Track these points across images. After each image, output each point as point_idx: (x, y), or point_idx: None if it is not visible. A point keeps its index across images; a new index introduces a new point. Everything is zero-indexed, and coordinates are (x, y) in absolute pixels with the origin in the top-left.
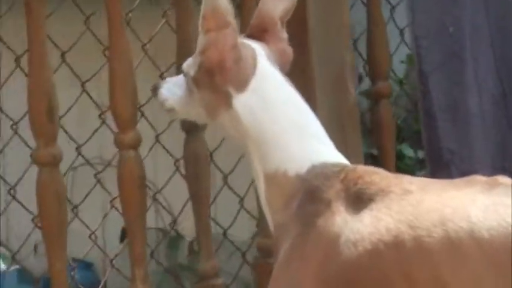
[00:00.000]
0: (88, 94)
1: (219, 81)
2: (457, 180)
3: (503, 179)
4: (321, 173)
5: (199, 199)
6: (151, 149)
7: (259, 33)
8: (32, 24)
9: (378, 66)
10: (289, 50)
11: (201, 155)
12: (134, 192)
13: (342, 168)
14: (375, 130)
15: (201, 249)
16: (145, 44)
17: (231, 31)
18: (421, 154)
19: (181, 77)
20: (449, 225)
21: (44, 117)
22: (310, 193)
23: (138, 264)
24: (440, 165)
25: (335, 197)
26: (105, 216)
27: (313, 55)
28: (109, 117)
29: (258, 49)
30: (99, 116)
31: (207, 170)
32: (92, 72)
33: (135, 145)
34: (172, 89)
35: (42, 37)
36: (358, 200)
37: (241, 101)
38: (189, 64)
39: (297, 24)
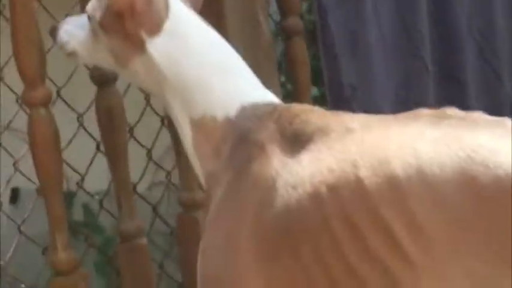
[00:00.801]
0: None
1: (129, 25)
2: (402, 115)
3: (451, 110)
4: (252, 114)
5: (116, 155)
6: None
7: None
8: None
9: (287, 1)
10: None
11: (116, 108)
12: (49, 152)
13: (274, 107)
14: (289, 68)
15: (122, 208)
16: None
17: None
18: (315, 91)
19: (84, 17)
20: (395, 163)
21: None
22: (242, 136)
23: (59, 229)
24: (341, 102)
25: (269, 139)
26: None
27: None
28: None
29: None
30: None
31: (123, 123)
32: None
33: (46, 102)
34: (74, 31)
35: None
36: (295, 141)
37: (156, 45)
38: (94, 6)
39: None
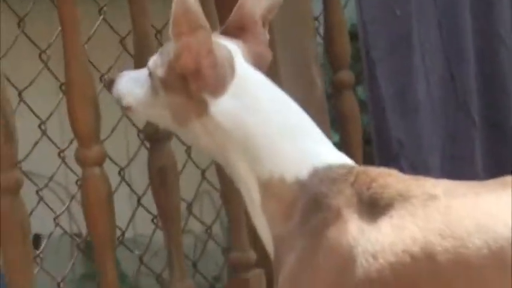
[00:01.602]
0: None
1: (193, 87)
2: (489, 182)
3: None
4: (326, 177)
5: (169, 215)
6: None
7: (236, 31)
8: None
9: (338, 55)
10: (268, 52)
11: (169, 167)
12: (103, 211)
13: (349, 170)
14: (339, 121)
15: (174, 268)
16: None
17: (205, 34)
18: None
19: (143, 72)
20: (487, 233)
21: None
22: (315, 200)
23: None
24: (390, 158)
25: (346, 204)
26: None
27: (277, 48)
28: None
29: (235, 50)
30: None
31: (176, 183)
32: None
33: (101, 161)
34: (132, 85)
35: None
36: (374, 206)
37: (220, 107)
38: (156, 63)
39: None
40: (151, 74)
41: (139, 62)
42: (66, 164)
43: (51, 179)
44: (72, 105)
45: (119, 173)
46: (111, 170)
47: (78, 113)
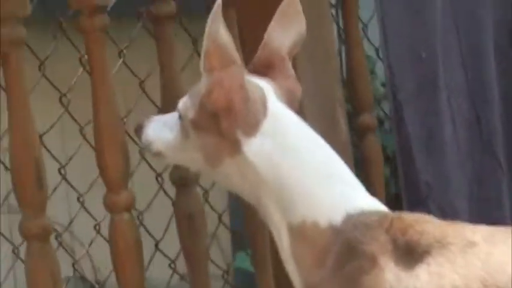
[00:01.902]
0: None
1: (225, 125)
2: None
3: None
4: (360, 223)
5: (196, 261)
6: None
7: (264, 69)
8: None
9: (360, 97)
10: (298, 88)
11: (196, 211)
12: (132, 259)
13: (383, 216)
14: (362, 165)
15: None
16: None
17: (237, 69)
18: None
19: (171, 117)
20: None
21: (34, 184)
22: (349, 246)
23: None
24: (418, 201)
25: (381, 250)
26: None
27: (301, 87)
28: None
29: (266, 87)
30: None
31: (204, 228)
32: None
33: (129, 207)
34: (161, 130)
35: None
36: (410, 253)
37: (253, 146)
38: (186, 105)
39: None
40: (181, 117)
41: (166, 107)
42: (85, 208)
43: (69, 225)
44: (101, 150)
45: (137, 217)
46: None
47: (107, 158)
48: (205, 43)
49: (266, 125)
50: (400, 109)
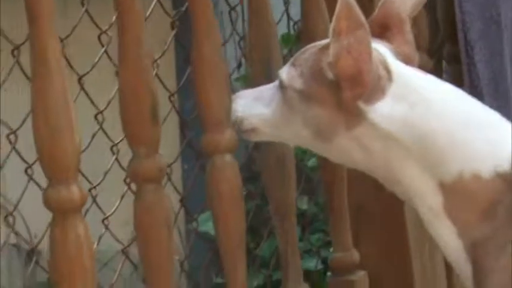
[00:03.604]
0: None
1: (348, 96)
2: None
3: None
4: None
5: (284, 211)
6: None
7: (380, 30)
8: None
9: None
10: (415, 55)
11: (287, 157)
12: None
13: None
14: None
15: (288, 270)
16: None
17: (366, 35)
18: None
19: (265, 89)
20: None
21: (148, 119)
22: None
23: None
24: None
25: None
26: None
27: None
28: None
29: (384, 51)
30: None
31: (293, 175)
32: None
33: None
34: (253, 105)
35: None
36: None
37: (382, 112)
38: (291, 74)
39: None
40: (285, 88)
41: None
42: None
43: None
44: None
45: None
46: None
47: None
48: (338, 5)
49: (393, 88)
50: (471, 50)
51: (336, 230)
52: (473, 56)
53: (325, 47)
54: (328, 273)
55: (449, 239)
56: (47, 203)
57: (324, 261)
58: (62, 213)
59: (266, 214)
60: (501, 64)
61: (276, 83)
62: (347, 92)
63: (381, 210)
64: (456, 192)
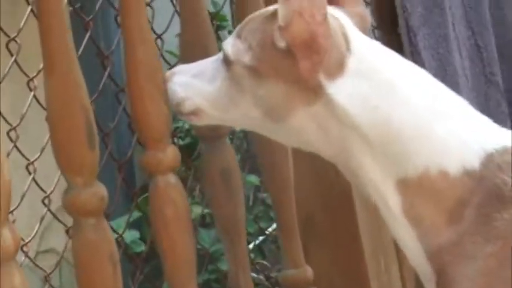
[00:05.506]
0: None
1: (306, 66)
2: None
3: None
4: (504, 162)
5: (234, 231)
6: None
7: None
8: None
9: None
10: (368, 16)
11: (232, 168)
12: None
13: None
14: None
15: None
16: None
17: None
18: None
19: (206, 64)
20: None
21: (85, 144)
22: (497, 194)
23: None
24: None
25: None
26: None
27: None
28: None
29: (342, 17)
30: None
31: (240, 188)
32: None
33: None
34: (195, 82)
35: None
36: None
37: (342, 88)
38: (238, 48)
39: None
40: (231, 63)
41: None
42: None
43: None
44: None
45: None
46: None
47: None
48: None
49: (354, 62)
50: (414, 37)
51: (286, 244)
52: (417, 44)
53: (274, 14)
54: None
55: (409, 243)
56: None
57: None
58: None
59: None
60: (447, 50)
61: (218, 56)
62: (303, 61)
63: (330, 220)
64: (420, 191)
